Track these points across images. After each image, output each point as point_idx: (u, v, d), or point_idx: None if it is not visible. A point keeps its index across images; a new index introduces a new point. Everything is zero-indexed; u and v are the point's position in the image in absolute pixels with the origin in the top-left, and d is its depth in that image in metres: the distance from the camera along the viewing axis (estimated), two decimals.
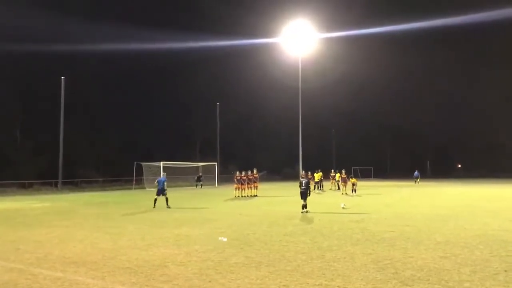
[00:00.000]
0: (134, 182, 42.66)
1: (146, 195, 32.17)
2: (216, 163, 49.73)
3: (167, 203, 20.40)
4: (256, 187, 28.53)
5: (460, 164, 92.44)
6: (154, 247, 9.91)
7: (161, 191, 20.75)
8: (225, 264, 8.10)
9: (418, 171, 51.62)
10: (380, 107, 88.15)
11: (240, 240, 10.73)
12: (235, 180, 27.81)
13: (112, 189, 42.13)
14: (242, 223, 14.06)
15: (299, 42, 51.12)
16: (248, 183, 27.73)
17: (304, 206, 17.03)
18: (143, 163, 42.10)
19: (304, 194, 17.24)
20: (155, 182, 22.43)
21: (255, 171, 29.26)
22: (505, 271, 7.35)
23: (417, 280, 6.80)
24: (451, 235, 11.04)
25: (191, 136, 70.60)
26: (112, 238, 11.40)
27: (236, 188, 27.49)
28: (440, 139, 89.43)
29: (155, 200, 20.67)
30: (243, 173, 28.03)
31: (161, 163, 40.83)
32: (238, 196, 26.95)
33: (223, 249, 9.52)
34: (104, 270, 7.77)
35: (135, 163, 41.66)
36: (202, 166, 48.32)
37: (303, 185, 17.38)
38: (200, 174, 45.47)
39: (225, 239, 7.67)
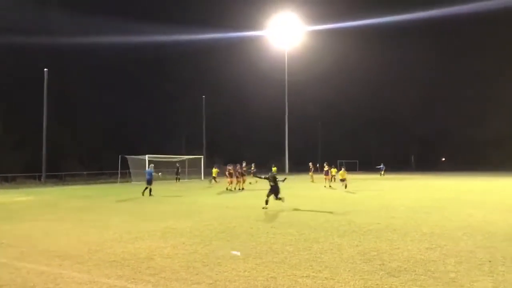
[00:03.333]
0: (119, 175, 42.29)
1: (131, 188, 31.94)
2: (202, 156, 49.56)
3: (150, 192, 22.74)
4: (244, 181, 28.47)
5: (444, 157, 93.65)
6: (140, 240, 9.82)
7: (149, 182, 22.99)
8: (212, 256, 8.06)
9: (383, 164, 52.92)
10: (365, 100, 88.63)
11: (226, 232, 10.70)
12: (227, 174, 27.60)
13: (97, 183, 41.73)
14: (229, 216, 14.02)
15: (285, 34, 51.10)
16: (237, 177, 27.57)
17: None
18: (128, 156, 41.73)
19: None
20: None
21: (243, 164, 29.27)
22: (489, 261, 7.44)
23: (403, 271, 6.85)
24: (436, 227, 11.16)
25: (177, 129, 70.27)
26: (97, 231, 11.28)
27: (229, 182, 27.28)
28: (424, 132, 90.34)
29: (148, 189, 22.86)
30: (234, 166, 27.87)
31: (146, 156, 40.55)
32: (228, 189, 26.86)
33: (209, 242, 9.48)
34: (89, 263, 7.67)
35: (120, 156, 41.27)
36: (187, 159, 48.05)
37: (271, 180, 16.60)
38: (178, 165, 43.71)
39: (238, 253, 7.44)
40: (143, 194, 22.75)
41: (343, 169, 27.58)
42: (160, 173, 26.97)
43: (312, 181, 36.20)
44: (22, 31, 52.54)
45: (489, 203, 17.36)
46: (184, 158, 47.64)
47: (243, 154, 56.58)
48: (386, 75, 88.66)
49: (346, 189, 25.54)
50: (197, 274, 6.85)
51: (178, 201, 20.57)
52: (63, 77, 53.78)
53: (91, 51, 63.72)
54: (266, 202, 15.97)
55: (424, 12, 68.86)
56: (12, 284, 6.51)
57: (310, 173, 38.42)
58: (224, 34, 69.55)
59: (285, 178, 17.63)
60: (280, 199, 16.11)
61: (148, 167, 23.99)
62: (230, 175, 27.45)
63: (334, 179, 31.84)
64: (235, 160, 30.71)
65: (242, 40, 72.02)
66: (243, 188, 27.75)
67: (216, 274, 6.80)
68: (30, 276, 6.92)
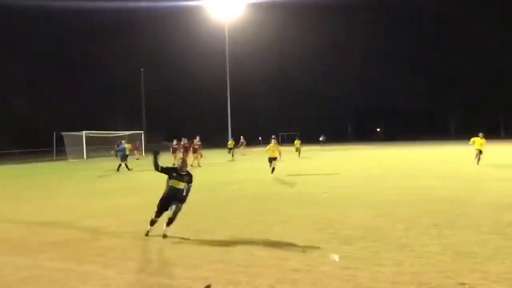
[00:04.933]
0: (54, 153, 40.31)
1: (69, 166, 30.59)
2: (142, 131, 48.21)
3: (127, 167, 23.03)
4: (201, 156, 25.90)
5: (379, 128, 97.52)
6: (84, 220, 9.29)
7: (123, 157, 23.30)
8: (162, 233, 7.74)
9: (324, 136, 54.61)
10: (305, 74, 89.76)
11: None
12: (190, 149, 25.37)
13: (30, 161, 39.47)
14: None
15: (225, 6, 50.03)
16: (192, 153, 25.80)
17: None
18: (64, 133, 39.74)
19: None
20: (117, 151, 27.17)
21: (197, 139, 26.42)
22: (435, 225, 7.70)
23: (355, 239, 6.91)
24: (383, 195, 11.47)
25: (114, 104, 67.68)
26: (35, 212, 10.59)
27: (194, 157, 25.13)
28: (360, 104, 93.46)
29: (122, 165, 23.05)
30: (185, 140, 26.10)
31: (83, 133, 38.90)
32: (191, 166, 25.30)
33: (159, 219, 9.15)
34: (30, 246, 7.12)
35: (54, 132, 39.22)
36: (128, 135, 46.45)
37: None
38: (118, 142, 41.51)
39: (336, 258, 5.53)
40: (118, 170, 22.79)
41: (273, 142, 17.71)
42: (125, 144, 25.53)
43: (243, 154, 36.51)
44: None
45: (427, 171, 18.18)
46: (124, 134, 46.03)
47: (185, 129, 55.65)
48: (326, 48, 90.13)
49: (273, 174, 16.89)
50: (148, 252, 6.55)
51: (124, 178, 19.89)
52: None
53: (24, 18, 59.22)
54: (166, 222, 7.53)
55: None
56: None
57: (241, 147, 38.75)
58: (160, 3, 67.09)
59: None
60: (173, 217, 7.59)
61: (121, 144, 24.27)
62: (195, 150, 25.67)
63: (300, 152, 32.32)
64: (177, 136, 29.44)
65: (180, 9, 69.97)
66: (199, 166, 25.95)
67: (168, 251, 6.56)
68: None
